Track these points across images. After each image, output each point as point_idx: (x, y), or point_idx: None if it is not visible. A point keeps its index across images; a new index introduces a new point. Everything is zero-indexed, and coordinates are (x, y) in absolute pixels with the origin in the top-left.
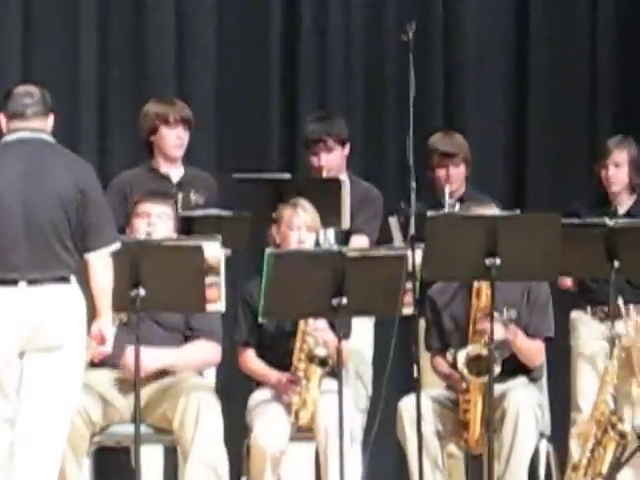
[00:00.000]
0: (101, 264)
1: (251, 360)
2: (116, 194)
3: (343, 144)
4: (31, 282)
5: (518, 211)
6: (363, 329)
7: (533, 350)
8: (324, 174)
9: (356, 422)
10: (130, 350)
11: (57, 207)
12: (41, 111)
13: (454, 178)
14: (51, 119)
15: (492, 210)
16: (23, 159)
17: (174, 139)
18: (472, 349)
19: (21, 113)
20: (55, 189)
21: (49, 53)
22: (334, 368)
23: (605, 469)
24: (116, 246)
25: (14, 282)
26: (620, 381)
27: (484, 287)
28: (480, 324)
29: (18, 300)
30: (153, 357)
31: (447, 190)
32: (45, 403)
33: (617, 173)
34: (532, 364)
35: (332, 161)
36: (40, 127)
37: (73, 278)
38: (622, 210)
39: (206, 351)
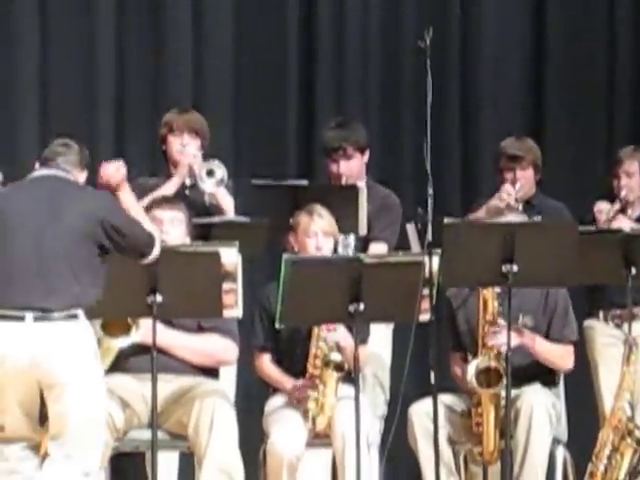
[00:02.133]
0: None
1: (267, 365)
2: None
3: (362, 151)
4: (37, 318)
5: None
6: (382, 335)
7: (559, 354)
8: (343, 181)
9: (373, 428)
10: (147, 322)
11: (71, 239)
12: (74, 161)
13: (521, 181)
14: (84, 175)
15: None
16: (37, 193)
17: (177, 146)
18: (481, 361)
19: (51, 158)
20: (69, 221)
21: (66, 53)
22: (350, 373)
23: (622, 476)
24: (157, 251)
25: (20, 317)
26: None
27: (490, 298)
28: (488, 338)
29: (24, 334)
30: (164, 332)
31: (511, 190)
32: (74, 438)
33: (629, 183)
34: (560, 368)
35: (351, 168)
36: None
37: (81, 313)
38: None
39: (218, 345)
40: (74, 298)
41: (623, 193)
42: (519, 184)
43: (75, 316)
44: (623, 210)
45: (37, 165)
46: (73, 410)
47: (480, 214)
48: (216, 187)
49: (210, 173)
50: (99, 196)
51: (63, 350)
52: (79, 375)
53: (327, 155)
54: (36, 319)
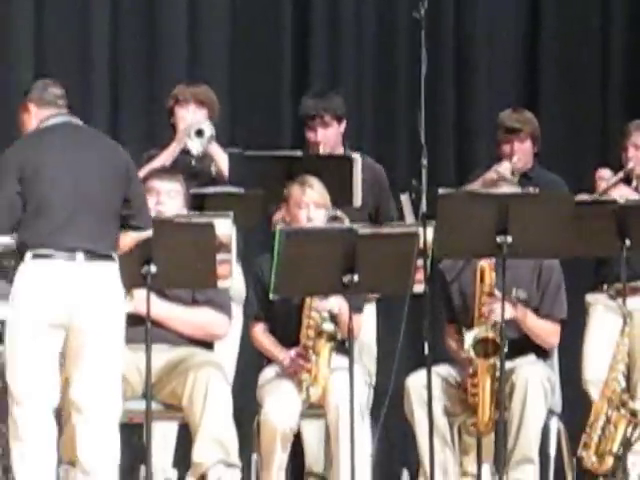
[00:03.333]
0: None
1: (261, 335)
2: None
3: (339, 120)
4: (87, 257)
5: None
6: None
7: (547, 331)
8: (321, 149)
9: (364, 398)
10: (141, 293)
11: (107, 183)
12: (66, 104)
13: (519, 154)
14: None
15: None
16: (67, 138)
17: (183, 116)
18: (478, 332)
19: (53, 102)
20: (104, 166)
21: (61, 28)
22: (344, 342)
23: (616, 447)
24: (148, 232)
25: (71, 257)
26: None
27: (487, 269)
28: (485, 308)
29: (74, 273)
30: (157, 303)
31: (508, 165)
32: (109, 378)
33: (637, 155)
34: (547, 345)
35: (328, 137)
36: (70, 114)
37: (115, 256)
38: None
39: (210, 318)
40: (113, 239)
41: (630, 165)
42: (517, 156)
43: (113, 258)
44: (627, 180)
45: (34, 108)
46: (108, 348)
47: (476, 186)
48: (206, 145)
49: (199, 133)
50: (120, 148)
51: (107, 289)
52: (118, 314)
53: (305, 123)
54: (87, 257)
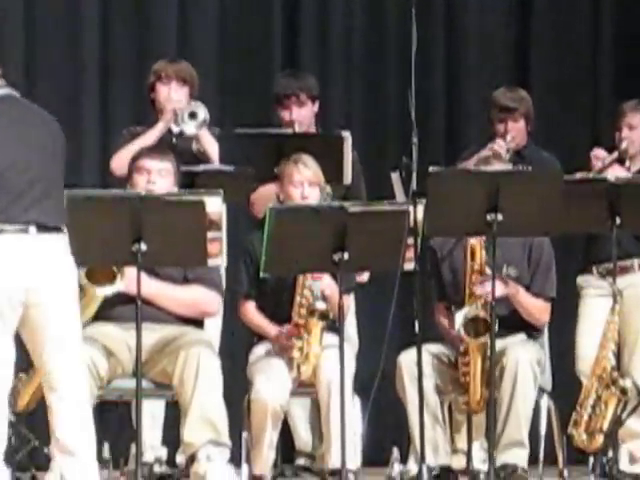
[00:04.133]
0: None
1: (251, 312)
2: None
3: (314, 100)
4: (40, 229)
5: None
6: None
7: (538, 308)
8: (296, 128)
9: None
10: (132, 272)
11: (52, 156)
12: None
13: (513, 133)
14: None
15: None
16: (11, 111)
17: (165, 93)
18: (469, 310)
19: None
20: (47, 139)
21: (50, 10)
22: (335, 321)
23: (606, 425)
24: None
25: (24, 229)
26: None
27: (478, 247)
28: (476, 286)
29: (28, 247)
30: (148, 282)
31: (503, 144)
32: (70, 345)
33: (631, 135)
34: (537, 322)
35: (303, 116)
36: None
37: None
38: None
39: (201, 295)
40: (62, 213)
41: (624, 145)
42: (510, 135)
43: (63, 230)
44: (621, 161)
45: None
46: (67, 319)
47: (471, 164)
48: (198, 129)
49: (192, 115)
50: (57, 124)
51: (62, 261)
52: (73, 284)
53: (279, 102)
54: (39, 230)
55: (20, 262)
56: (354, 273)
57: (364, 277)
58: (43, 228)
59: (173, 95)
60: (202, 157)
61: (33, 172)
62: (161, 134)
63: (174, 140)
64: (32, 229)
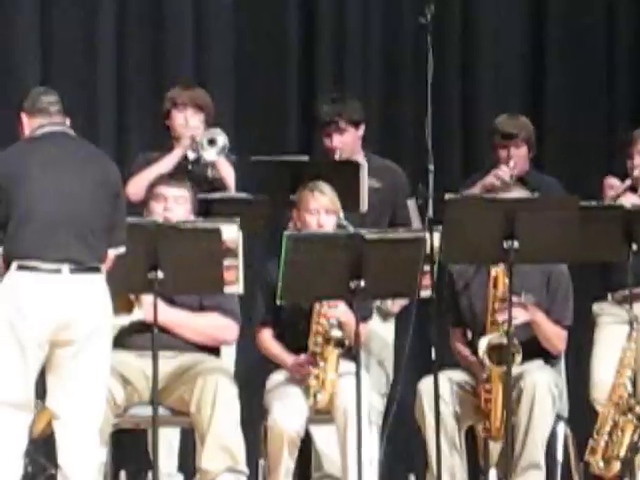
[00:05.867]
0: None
1: (268, 341)
2: (139, 171)
3: (357, 125)
4: (73, 270)
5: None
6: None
7: (556, 334)
8: (337, 156)
9: (375, 405)
10: (149, 300)
11: (96, 198)
12: (62, 110)
13: (515, 159)
14: (68, 121)
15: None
16: (56, 149)
17: (181, 120)
18: (493, 338)
19: (45, 110)
20: (91, 179)
21: (67, 23)
22: (352, 349)
23: (623, 452)
24: (123, 249)
25: (57, 270)
26: None
27: (501, 276)
28: (500, 314)
29: (60, 287)
30: (165, 310)
31: (506, 169)
32: (90, 389)
33: None
34: (554, 349)
35: (345, 142)
36: (63, 123)
37: (103, 268)
38: None
39: (219, 324)
40: (99, 254)
41: (636, 172)
42: (513, 161)
43: (100, 270)
44: (633, 188)
45: (25, 118)
46: (95, 362)
47: (475, 191)
48: (218, 155)
49: (212, 142)
50: (109, 162)
51: (95, 303)
52: (106, 327)
53: (321, 129)
54: (72, 271)
55: (50, 303)
56: (370, 301)
57: (395, 308)
58: (77, 268)
59: (191, 122)
60: (217, 184)
61: (70, 212)
62: (178, 161)
63: (190, 167)
64: (65, 268)
